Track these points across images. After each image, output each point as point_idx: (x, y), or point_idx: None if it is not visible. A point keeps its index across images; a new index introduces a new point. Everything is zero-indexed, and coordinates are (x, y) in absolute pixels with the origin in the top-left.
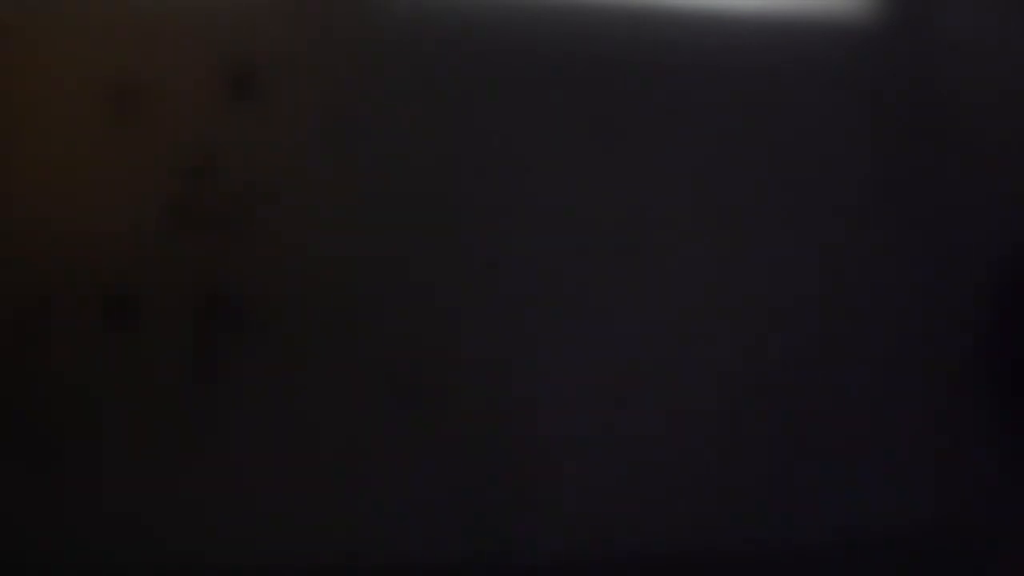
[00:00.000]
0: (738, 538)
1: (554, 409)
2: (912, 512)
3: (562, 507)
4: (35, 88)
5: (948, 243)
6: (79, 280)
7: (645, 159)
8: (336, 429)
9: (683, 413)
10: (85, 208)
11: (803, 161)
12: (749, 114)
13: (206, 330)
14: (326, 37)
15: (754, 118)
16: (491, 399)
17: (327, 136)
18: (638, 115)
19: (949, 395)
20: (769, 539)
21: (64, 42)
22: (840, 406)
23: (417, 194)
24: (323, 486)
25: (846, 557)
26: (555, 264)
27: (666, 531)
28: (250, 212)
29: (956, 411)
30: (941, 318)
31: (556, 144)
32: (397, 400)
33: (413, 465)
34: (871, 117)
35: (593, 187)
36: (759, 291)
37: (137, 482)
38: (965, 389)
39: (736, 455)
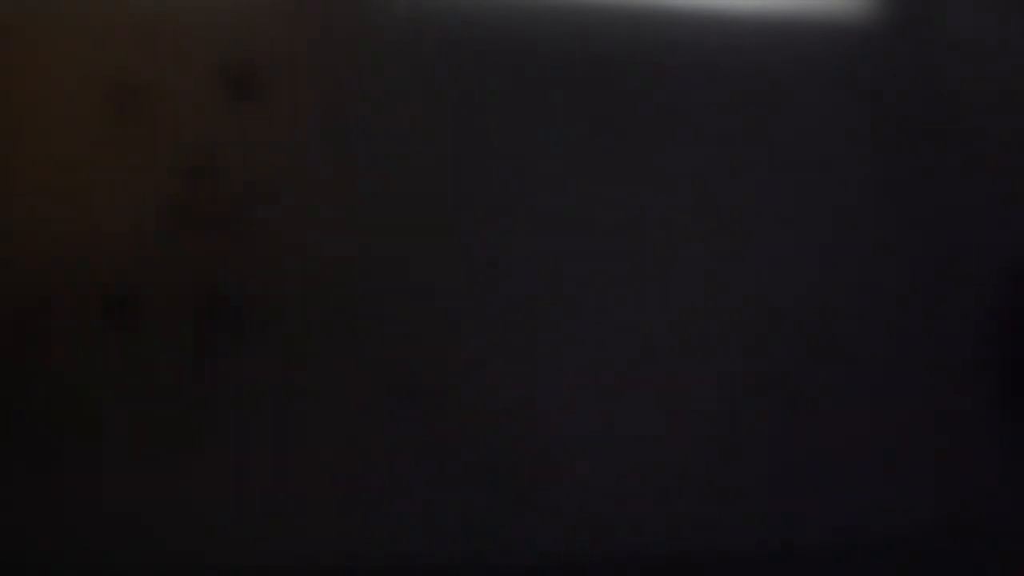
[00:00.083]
0: (738, 538)
1: (554, 409)
2: (912, 512)
3: (562, 507)
4: (35, 88)
5: (948, 243)
6: (79, 280)
7: (645, 159)
8: (336, 429)
9: (683, 413)
10: (85, 208)
11: (803, 161)
12: (749, 114)
13: (206, 330)
14: (326, 37)
15: (754, 118)
16: (491, 399)
17: (327, 136)
18: (638, 115)
19: (949, 395)
20: (769, 539)
21: (64, 42)
22: (840, 406)
23: (417, 194)
24: (323, 486)
25: (846, 557)
26: (555, 264)
27: (666, 531)
28: (250, 212)
29: (956, 411)
30: (941, 318)
31: (556, 144)
32: (397, 400)
33: (413, 465)
34: (871, 117)
35: (593, 187)
36: (759, 291)
37: (137, 482)
38: (965, 389)
39: (736, 455)
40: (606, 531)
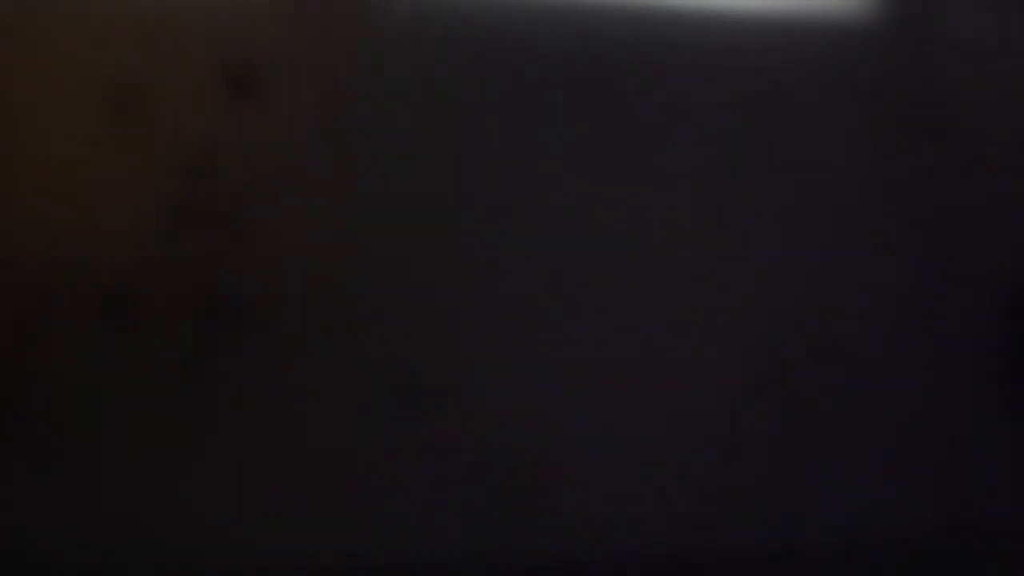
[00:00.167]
0: (738, 538)
1: (554, 409)
2: (912, 512)
3: (562, 507)
4: (35, 88)
5: (947, 243)
6: (79, 280)
7: (645, 159)
8: (336, 429)
9: (683, 413)
10: (85, 208)
11: (803, 161)
12: (749, 114)
13: (206, 330)
14: (326, 37)
15: (754, 118)
16: (491, 399)
17: (327, 136)
18: (638, 115)
19: (949, 395)
20: (769, 539)
21: (64, 42)
22: (840, 406)
23: (417, 194)
24: (323, 486)
25: (846, 557)
26: (555, 264)
27: (666, 531)
28: (250, 212)
29: (956, 411)
30: (941, 318)
31: (556, 144)
32: (397, 400)
33: (413, 465)
34: (871, 117)
35: (593, 187)
36: (759, 291)
37: (137, 482)
38: (965, 389)
39: (736, 455)
40: (606, 531)
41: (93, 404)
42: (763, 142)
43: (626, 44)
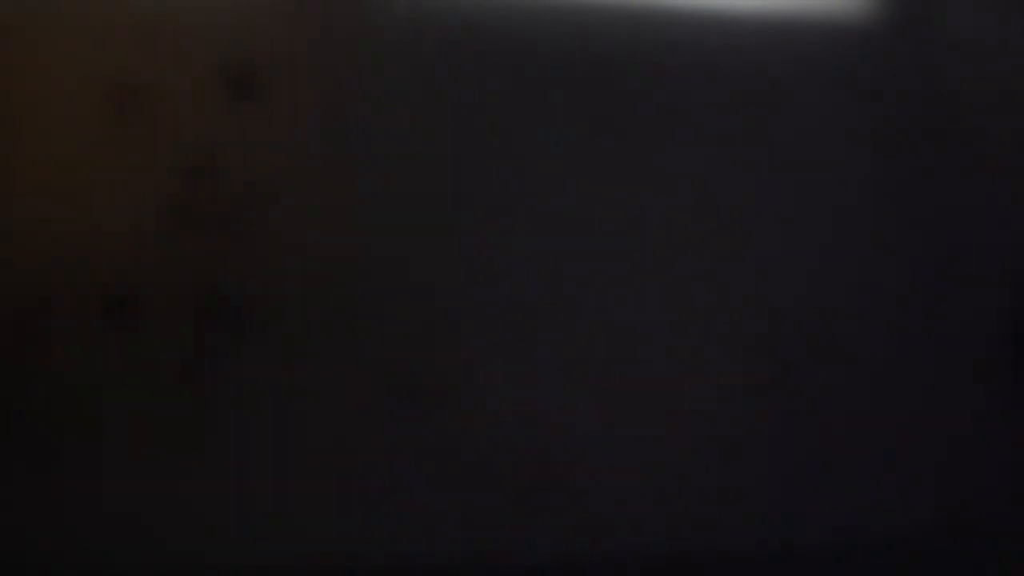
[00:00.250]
0: (738, 538)
1: (554, 409)
2: (912, 512)
3: (562, 507)
4: (35, 88)
5: (948, 243)
6: (79, 280)
7: (645, 159)
8: (336, 429)
9: (683, 413)
10: (85, 208)
11: (803, 161)
12: (749, 114)
13: (206, 330)
14: (326, 37)
15: (754, 118)
16: (491, 399)
17: (327, 136)
18: (638, 115)
19: (949, 395)
20: (769, 539)
21: (64, 42)
22: (840, 406)
23: (417, 194)
24: (323, 486)
25: (846, 557)
26: (555, 264)
27: (666, 531)
28: (250, 212)
29: (956, 411)
30: (941, 318)
31: (556, 144)
32: (397, 400)
33: (413, 465)
34: (871, 117)
35: (593, 187)
36: (759, 291)
37: (137, 482)
38: (965, 389)
39: (736, 455)
40: (606, 531)
41: (93, 404)
42: (763, 142)
43: (626, 44)
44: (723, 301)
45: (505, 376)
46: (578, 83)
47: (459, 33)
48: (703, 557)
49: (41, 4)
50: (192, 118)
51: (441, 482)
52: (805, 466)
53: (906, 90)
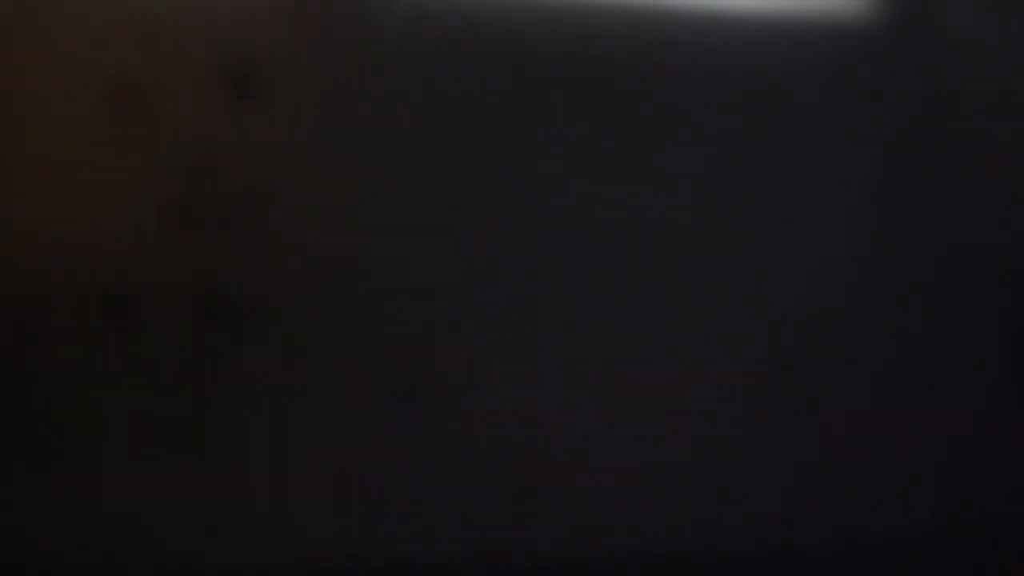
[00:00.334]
0: (738, 538)
1: (554, 409)
2: (912, 512)
3: (562, 507)
4: (35, 88)
5: (948, 243)
6: (79, 280)
7: (645, 159)
8: (336, 429)
9: (683, 413)
10: (85, 208)
11: (803, 161)
12: (749, 114)
13: (206, 330)
14: (326, 37)
15: (754, 118)
16: (491, 399)
17: (327, 136)
18: (638, 115)
19: (949, 395)
20: (769, 539)
21: (64, 42)
22: (840, 406)
23: (417, 194)
24: (323, 486)
25: (846, 557)
26: (555, 264)
27: (666, 531)
28: (250, 212)
29: (956, 411)
30: (941, 318)
31: (556, 144)
32: (397, 400)
33: (413, 465)
34: (871, 117)
35: (593, 187)
36: (759, 291)
37: (137, 482)
38: (965, 389)
39: (736, 455)
40: (606, 531)
41: (93, 404)
42: (763, 142)
43: (626, 44)
44: (723, 301)
45: (505, 376)
46: (578, 83)
47: (459, 33)
48: (703, 557)
49: (41, 4)
50: (192, 118)
51: (441, 482)
52: (805, 466)
53: (906, 90)
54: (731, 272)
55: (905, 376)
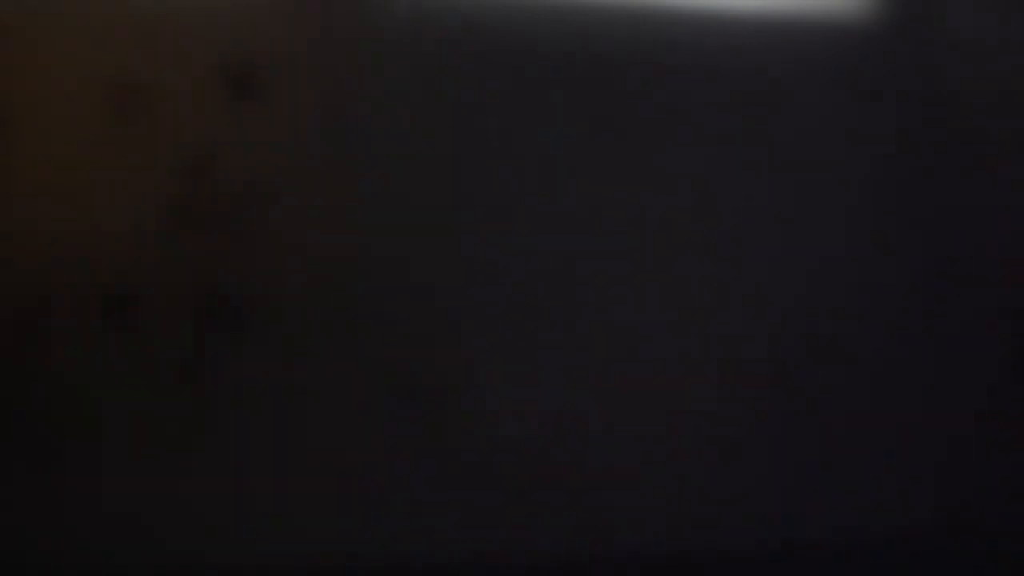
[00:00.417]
0: (738, 538)
1: (554, 409)
2: (912, 512)
3: (562, 507)
4: (35, 88)
5: (947, 243)
6: (79, 280)
7: (645, 159)
8: (336, 429)
9: (684, 413)
10: (85, 208)
11: (803, 161)
12: (749, 114)
13: (206, 330)
14: (326, 37)
15: (754, 118)
16: (491, 399)
17: (327, 136)
18: (638, 115)
19: (949, 395)
20: (769, 539)
21: (64, 42)
22: (840, 406)
23: (417, 194)
24: (323, 486)
25: (846, 557)
26: (555, 264)
27: (666, 531)
28: (250, 212)
29: (955, 411)
30: (941, 319)
31: (556, 144)
32: (397, 400)
33: (413, 465)
34: (871, 117)
35: (593, 187)
36: (759, 291)
37: (137, 482)
38: (965, 389)
39: (736, 455)
40: (606, 531)
41: (93, 404)
42: (763, 142)
43: (626, 44)
44: (723, 301)
45: (505, 376)
46: (578, 83)
47: (459, 33)
48: (703, 557)
49: (41, 4)
50: (192, 118)
51: (441, 482)
52: (805, 466)
53: (906, 90)
54: (731, 272)
55: (905, 376)
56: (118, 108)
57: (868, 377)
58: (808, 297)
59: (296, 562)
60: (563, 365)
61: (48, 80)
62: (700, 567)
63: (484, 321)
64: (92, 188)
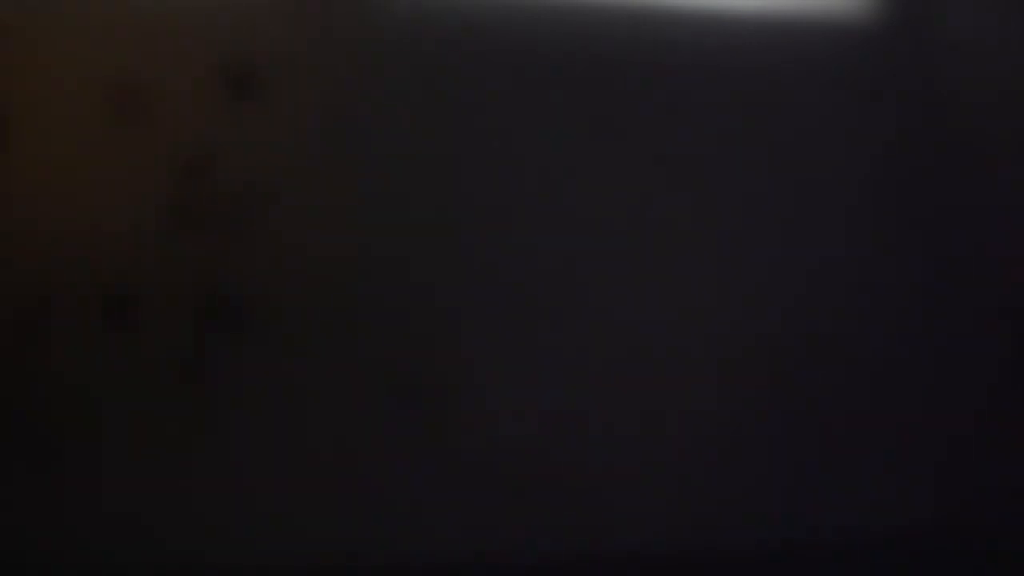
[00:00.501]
0: (738, 538)
1: (554, 409)
2: (912, 512)
3: (562, 507)
4: (35, 88)
5: (947, 243)
6: (79, 280)
7: (645, 159)
8: (336, 429)
9: (683, 413)
10: (85, 208)
11: (803, 161)
12: (749, 114)
13: (206, 330)
14: (326, 37)
15: (754, 118)
16: (491, 399)
17: (327, 136)
18: (638, 115)
19: (948, 395)
20: (769, 539)
21: (64, 42)
22: (840, 406)
23: (417, 194)
24: (323, 486)
25: (846, 557)
26: (555, 264)
27: (666, 531)
28: (250, 212)
29: (956, 411)
30: (941, 319)
31: (556, 144)
32: (397, 400)
33: (413, 465)
34: (871, 117)
35: (593, 187)
36: (759, 291)
37: (137, 482)
38: (964, 389)
39: (736, 455)
40: (606, 531)
41: (93, 404)
42: (763, 142)
43: (626, 44)
44: (723, 301)
45: (505, 376)
46: (578, 83)
47: (459, 33)
48: (703, 557)
49: (41, 4)
50: (192, 118)
51: (441, 482)
52: (805, 466)
53: (906, 90)
54: (731, 272)
55: (905, 376)
56: (118, 108)
57: (868, 377)
58: (808, 297)
59: (296, 562)
60: (563, 365)
61: (48, 80)
62: (700, 567)
63: (484, 321)
64: (92, 188)
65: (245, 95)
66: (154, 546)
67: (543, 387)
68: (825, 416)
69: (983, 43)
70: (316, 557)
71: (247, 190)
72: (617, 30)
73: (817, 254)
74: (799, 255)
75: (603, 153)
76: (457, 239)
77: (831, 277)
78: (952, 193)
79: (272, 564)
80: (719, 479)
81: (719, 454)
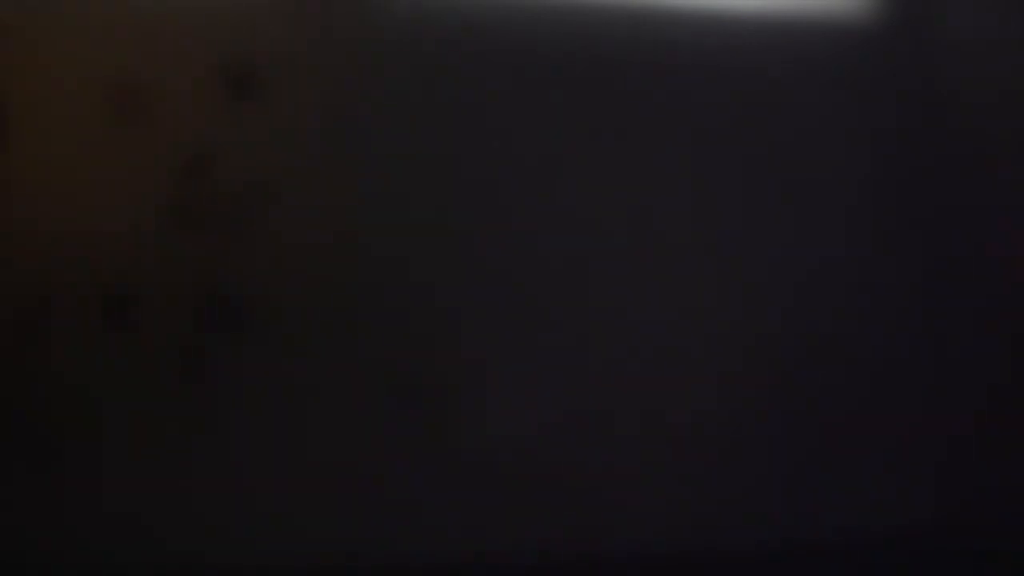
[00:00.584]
0: (738, 538)
1: (554, 409)
2: (912, 512)
3: (562, 507)
4: (35, 88)
5: (947, 243)
6: (79, 280)
7: (645, 159)
8: (336, 429)
9: (683, 413)
10: (85, 208)
11: (803, 161)
12: (749, 114)
13: (206, 330)
14: (326, 37)
15: (754, 118)
16: (491, 399)
17: (327, 136)
18: (638, 115)
19: (949, 396)
20: (769, 539)
21: (64, 42)
22: (840, 406)
23: (417, 194)
24: (323, 486)
25: (846, 557)
26: (555, 264)
27: (666, 531)
28: (250, 212)
29: (956, 412)
30: (941, 318)
31: (556, 144)
32: (397, 400)
33: (413, 465)
34: (871, 117)
35: (593, 187)
36: (759, 291)
37: (137, 482)
38: (965, 389)
39: (736, 455)
40: (606, 531)
41: (93, 404)
42: (763, 142)
43: (626, 44)
44: (723, 301)
45: (505, 376)
46: (578, 83)
47: (459, 33)
48: (703, 557)
49: (41, 4)
50: (192, 118)
51: (441, 482)
52: (805, 466)
53: (906, 90)
54: (731, 272)
55: (905, 376)
56: (118, 108)
57: (868, 377)
58: (808, 297)
59: (296, 562)
60: (563, 365)
61: (48, 80)
62: (700, 567)
63: (484, 321)
64: (92, 188)
65: (245, 95)
66: (154, 546)
67: (543, 387)
68: (825, 416)
69: (983, 43)
70: (316, 557)
71: (247, 190)
72: (617, 30)
73: (817, 254)
74: (799, 255)
75: (603, 153)
76: (457, 239)
77: (831, 277)
78: (952, 193)
79: (272, 564)
80: (719, 479)
81: (719, 454)
